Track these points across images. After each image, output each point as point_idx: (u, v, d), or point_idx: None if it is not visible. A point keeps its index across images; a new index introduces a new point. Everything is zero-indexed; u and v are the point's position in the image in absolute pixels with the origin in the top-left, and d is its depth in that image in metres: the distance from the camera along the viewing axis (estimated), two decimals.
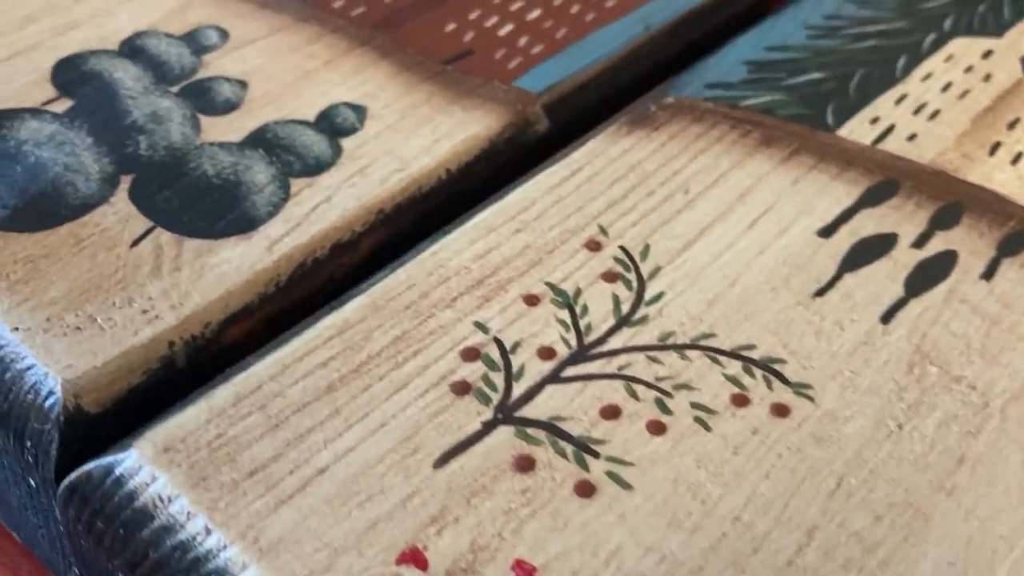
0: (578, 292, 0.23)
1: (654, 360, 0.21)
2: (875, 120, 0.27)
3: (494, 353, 0.21)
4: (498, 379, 0.21)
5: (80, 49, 0.27)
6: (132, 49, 0.27)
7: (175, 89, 0.26)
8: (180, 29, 0.28)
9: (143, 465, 0.19)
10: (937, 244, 0.24)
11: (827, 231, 0.24)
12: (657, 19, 0.31)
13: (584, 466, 0.19)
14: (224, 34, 0.28)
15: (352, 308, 0.22)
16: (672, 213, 0.25)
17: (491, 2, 0.30)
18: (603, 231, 0.24)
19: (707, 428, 0.20)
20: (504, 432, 0.20)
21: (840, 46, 0.30)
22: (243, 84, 0.27)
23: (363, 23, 0.29)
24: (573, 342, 0.22)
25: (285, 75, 0.27)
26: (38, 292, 0.22)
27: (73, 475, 0.19)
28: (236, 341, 0.22)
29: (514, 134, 0.27)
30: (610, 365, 0.21)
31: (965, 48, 0.30)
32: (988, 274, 0.23)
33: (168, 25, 0.28)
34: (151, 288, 0.22)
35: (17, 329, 0.21)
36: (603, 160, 0.26)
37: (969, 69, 0.29)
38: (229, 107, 0.26)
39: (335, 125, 0.26)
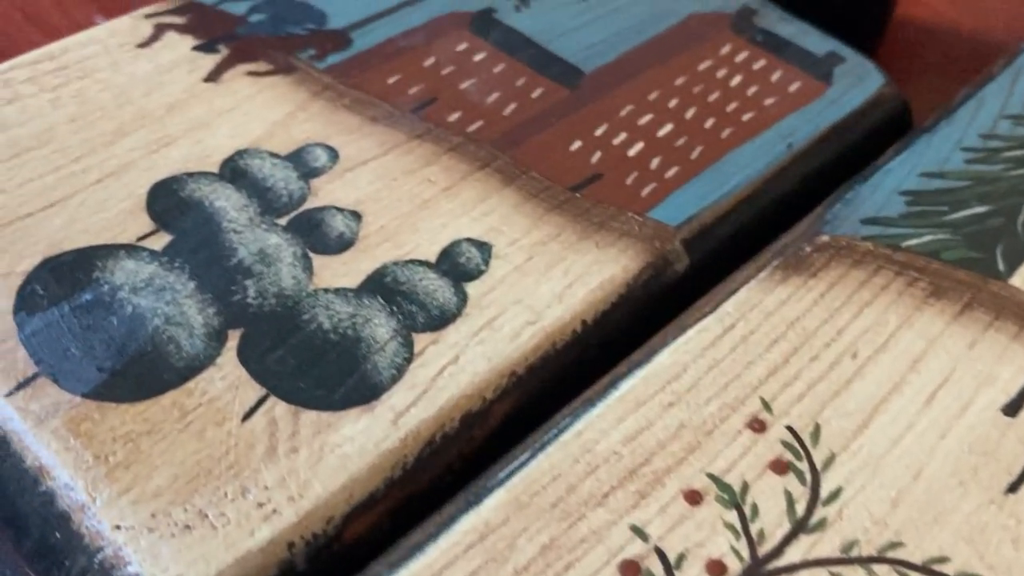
0: (745, 487, 0.20)
1: None
2: None
3: (657, 568, 0.19)
4: None
5: (177, 170, 0.25)
6: (234, 171, 0.25)
7: (283, 221, 0.24)
8: (285, 147, 0.26)
9: None
10: None
11: (1013, 407, 0.22)
12: (800, 135, 0.28)
13: None
14: (333, 154, 0.26)
15: (492, 506, 0.19)
16: (841, 383, 0.22)
17: (617, 115, 0.28)
18: (766, 406, 0.21)
19: None
20: None
21: (1002, 172, 0.27)
22: (357, 215, 0.24)
23: (482, 140, 0.27)
24: (745, 554, 0.19)
25: (401, 204, 0.25)
26: (141, 479, 0.19)
27: None
28: (359, 537, 0.20)
29: (652, 275, 0.24)
30: None
31: None
32: None
33: (272, 142, 0.26)
34: (267, 474, 0.19)
35: (119, 527, 0.18)
36: (758, 315, 0.23)
37: None
38: (343, 244, 0.24)
39: (459, 267, 0.23)
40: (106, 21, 0.40)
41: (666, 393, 0.21)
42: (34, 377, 0.20)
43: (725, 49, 0.30)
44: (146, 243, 0.23)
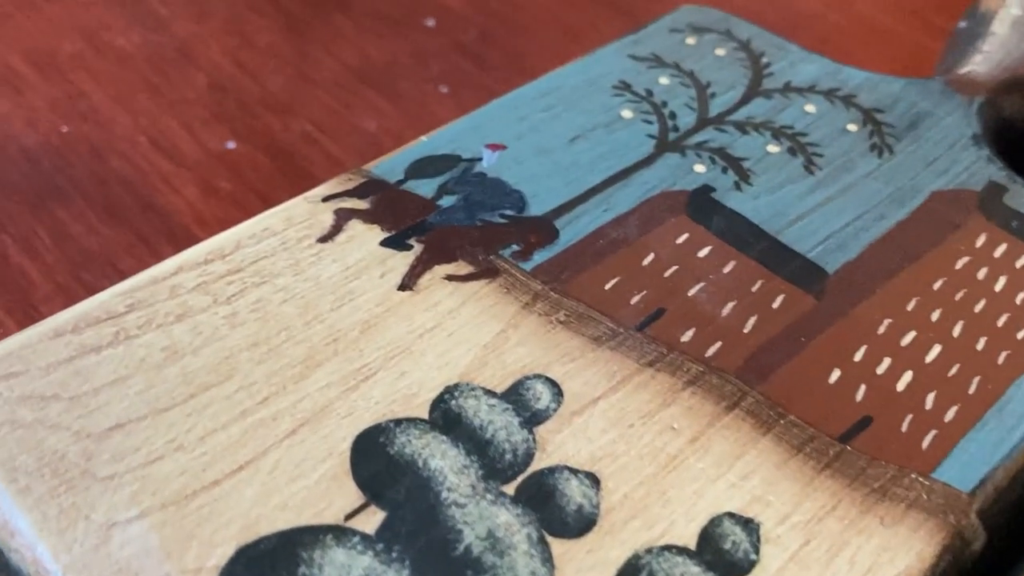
0: None
1: None
2: None
3: None
4: None
5: (382, 416, 0.21)
6: (447, 417, 0.21)
7: (510, 489, 0.20)
8: (500, 380, 0.22)
9: None
10: None
11: None
12: None
13: None
14: (556, 390, 0.22)
15: None
16: None
17: (875, 333, 0.24)
18: None
19: None
20: None
21: None
22: (594, 480, 0.20)
23: (724, 368, 0.23)
24: None
25: (643, 463, 0.21)
26: None
27: None
28: None
29: (950, 562, 0.20)
30: None
31: None
32: None
33: (484, 373, 0.22)
34: None
35: None
36: None
37: None
38: (584, 522, 0.20)
39: (724, 555, 0.20)
40: (235, 145, 0.36)
41: None
42: None
43: (980, 240, 0.26)
44: (356, 522, 0.19)
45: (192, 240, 0.33)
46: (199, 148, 0.36)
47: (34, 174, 0.35)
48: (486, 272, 0.24)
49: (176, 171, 0.35)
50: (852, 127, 0.29)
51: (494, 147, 0.27)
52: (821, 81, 0.30)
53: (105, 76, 0.38)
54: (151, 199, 0.34)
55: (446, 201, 0.26)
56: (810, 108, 0.29)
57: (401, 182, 0.26)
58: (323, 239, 0.24)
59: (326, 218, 0.25)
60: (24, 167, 0.35)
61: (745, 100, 0.29)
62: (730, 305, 0.24)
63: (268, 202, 0.34)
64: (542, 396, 0.22)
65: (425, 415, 0.21)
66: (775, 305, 0.24)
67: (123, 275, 0.32)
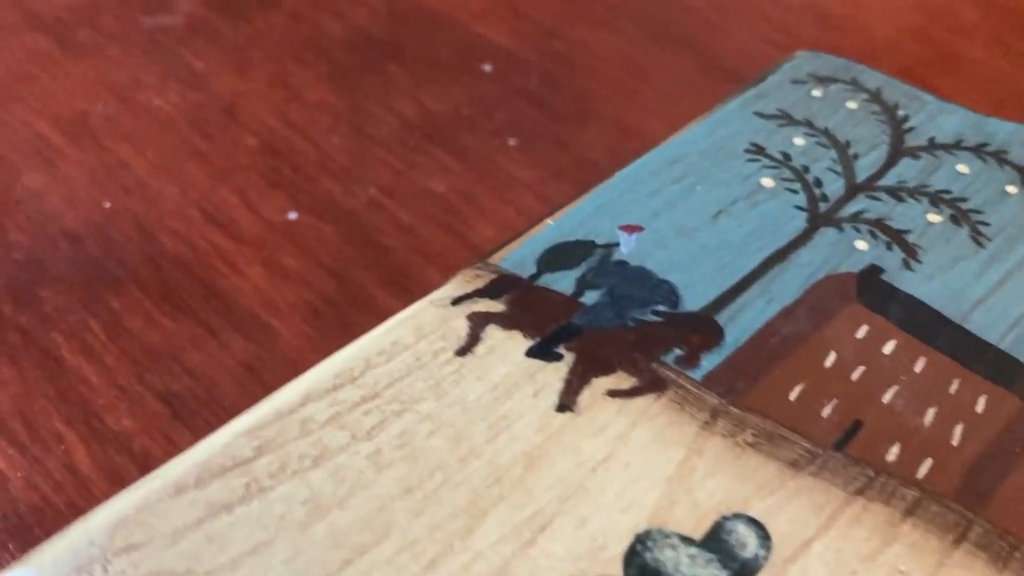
0: None
1: None
2: None
3: None
4: None
5: (570, 574, 0.18)
6: (642, 570, 0.18)
7: None
8: (695, 523, 0.19)
9: None
10: None
11: None
12: None
13: None
14: (762, 533, 0.19)
15: None
16: None
17: None
18: None
19: None
20: None
21: None
22: None
23: (940, 492, 0.20)
24: None
25: None
26: None
27: None
28: None
29: None
30: None
31: None
32: None
33: (675, 514, 0.19)
34: None
35: None
36: None
37: None
38: None
39: None
40: (297, 215, 0.33)
41: None
42: None
43: None
44: None
45: (262, 328, 0.29)
46: (258, 221, 0.33)
47: (79, 259, 0.31)
48: (652, 384, 0.21)
49: (236, 248, 0.32)
50: (1012, 189, 0.26)
51: (630, 229, 0.24)
52: (966, 136, 0.27)
53: (145, 141, 0.35)
54: (212, 282, 0.31)
55: (589, 297, 0.22)
56: (962, 168, 0.26)
57: (535, 276, 0.23)
58: (461, 351, 0.21)
59: (459, 324, 0.22)
60: (68, 251, 0.31)
61: (891, 162, 0.26)
62: (931, 412, 0.21)
63: (340, 279, 0.31)
64: (748, 542, 0.19)
65: (618, 572, 0.18)
66: (979, 409, 0.21)
67: (192, 373, 0.28)
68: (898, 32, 0.43)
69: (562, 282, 0.23)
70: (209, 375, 0.28)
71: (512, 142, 0.36)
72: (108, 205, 0.33)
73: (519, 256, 0.23)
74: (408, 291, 0.31)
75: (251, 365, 0.28)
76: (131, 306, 0.30)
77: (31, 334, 0.29)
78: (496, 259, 0.23)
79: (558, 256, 0.23)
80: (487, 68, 0.39)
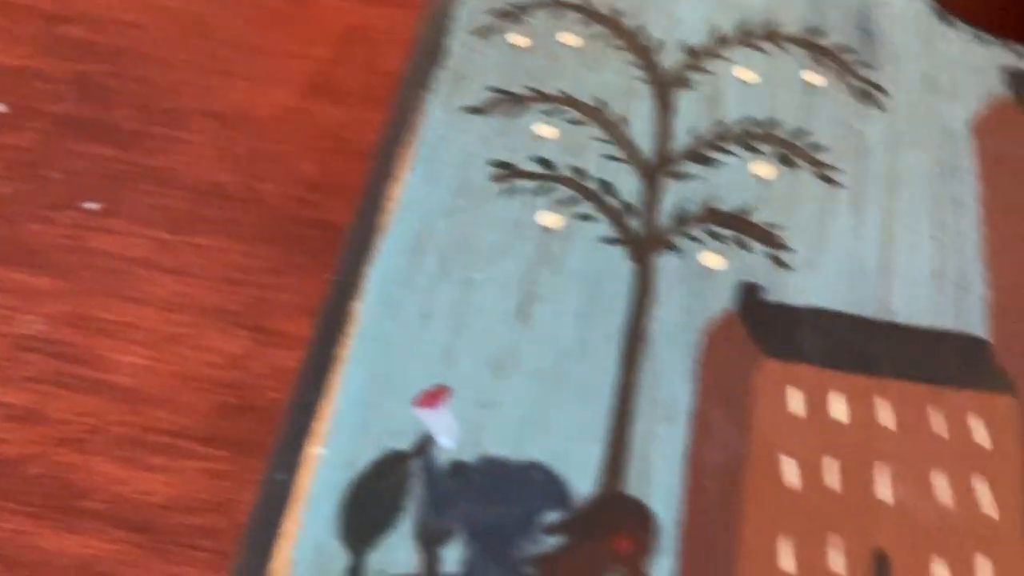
0: None
1: None
2: None
3: None
4: None
5: None
6: None
7: None
8: None
9: None
10: None
11: None
12: None
13: None
14: None
15: None
16: None
17: None
18: None
19: None
20: None
21: None
22: None
23: None
24: None
25: None
26: None
27: None
28: None
29: None
30: None
31: None
32: None
33: None
34: None
35: None
36: None
37: None
38: None
39: None
40: None
41: None
42: None
43: None
44: None
45: None
46: None
47: None
48: None
49: None
50: (809, 76, 0.20)
51: (431, 399, 0.16)
52: (719, 21, 0.21)
53: None
54: None
55: (448, 558, 0.15)
56: (741, 74, 0.20)
57: (354, 568, 0.14)
58: None
59: None
60: None
61: (666, 105, 0.19)
62: (941, 480, 0.16)
63: None
64: None
65: None
66: (983, 443, 0.16)
67: None
68: None
69: (398, 552, 0.15)
70: None
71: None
72: None
73: (310, 540, 0.15)
74: None
75: None
76: None
77: None
78: (281, 566, 0.14)
79: (366, 511, 0.15)
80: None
